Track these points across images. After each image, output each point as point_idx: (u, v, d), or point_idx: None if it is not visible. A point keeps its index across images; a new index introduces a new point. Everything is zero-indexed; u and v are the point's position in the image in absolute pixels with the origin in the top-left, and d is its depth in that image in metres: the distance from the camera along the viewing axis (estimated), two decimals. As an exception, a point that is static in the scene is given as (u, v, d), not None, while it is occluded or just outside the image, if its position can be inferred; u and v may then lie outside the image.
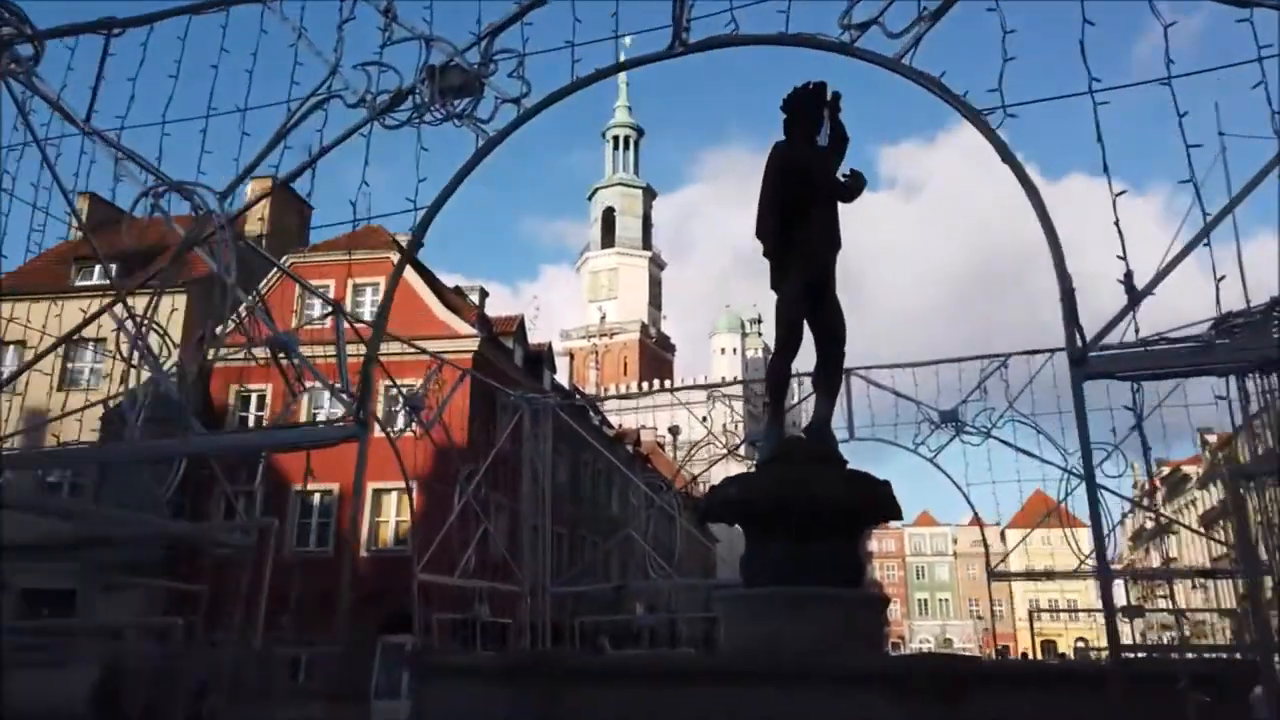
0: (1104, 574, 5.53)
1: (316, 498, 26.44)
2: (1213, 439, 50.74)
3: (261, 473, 11.40)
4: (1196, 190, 4.64)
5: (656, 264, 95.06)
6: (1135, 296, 4.75)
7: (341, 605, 6.34)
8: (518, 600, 11.04)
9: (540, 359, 34.65)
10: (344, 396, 5.50)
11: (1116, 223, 4.77)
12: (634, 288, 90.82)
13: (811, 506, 5.91)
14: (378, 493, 25.73)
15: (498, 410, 12.13)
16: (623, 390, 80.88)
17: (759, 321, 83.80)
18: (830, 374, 6.82)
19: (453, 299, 30.51)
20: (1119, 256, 4.72)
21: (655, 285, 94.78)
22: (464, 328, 27.24)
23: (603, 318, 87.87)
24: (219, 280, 5.68)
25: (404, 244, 32.07)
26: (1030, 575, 17.54)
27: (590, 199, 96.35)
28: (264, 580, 6.40)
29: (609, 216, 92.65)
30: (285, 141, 5.90)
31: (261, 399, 27.41)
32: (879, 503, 6.15)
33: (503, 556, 11.10)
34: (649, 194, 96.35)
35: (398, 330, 16.87)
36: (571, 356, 53.64)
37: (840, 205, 7.07)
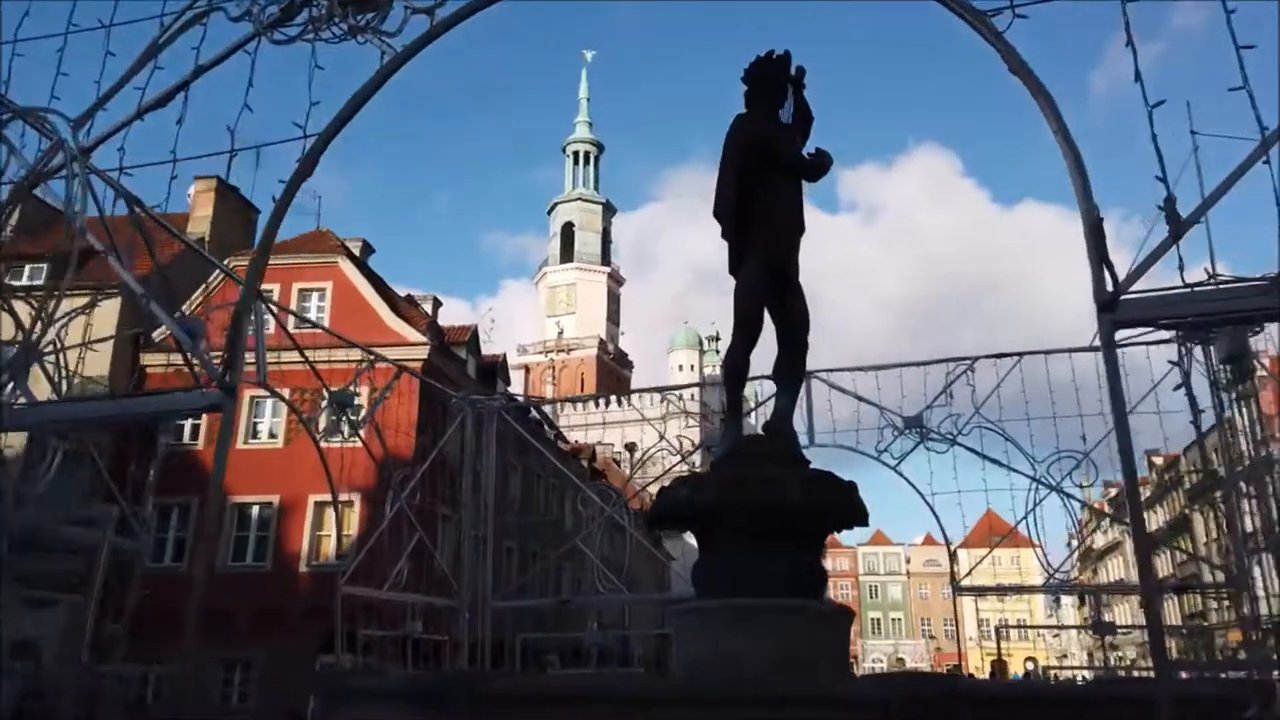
0: (1150, 591, 4.93)
1: (255, 510, 25.36)
2: (1159, 460, 51.62)
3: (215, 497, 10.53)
4: (1251, 98, 3.97)
5: (615, 280, 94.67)
6: (1179, 226, 4.01)
7: (189, 625, 5.54)
8: (457, 616, 10.31)
9: (494, 370, 33.87)
10: (207, 358, 4.75)
11: (1154, 139, 4.12)
12: (592, 303, 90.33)
13: (771, 508, 5.33)
14: (320, 505, 24.71)
15: (445, 416, 11.45)
16: (580, 406, 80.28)
17: (716, 339, 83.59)
18: (792, 366, 6.27)
19: (404, 308, 29.66)
20: (1158, 178, 4.06)
21: (614, 301, 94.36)
22: (414, 335, 26.41)
23: (560, 333, 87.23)
24: (67, 219, 4.94)
25: (354, 249, 31.13)
26: (999, 590, 17.10)
27: (550, 214, 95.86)
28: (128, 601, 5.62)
29: (568, 231, 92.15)
30: (156, 62, 5.06)
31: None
32: (844, 505, 5.59)
33: (443, 570, 10.38)
34: (609, 210, 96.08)
35: (349, 334, 16.17)
36: (528, 371, 52.82)
37: (805, 187, 6.57)
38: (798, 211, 6.30)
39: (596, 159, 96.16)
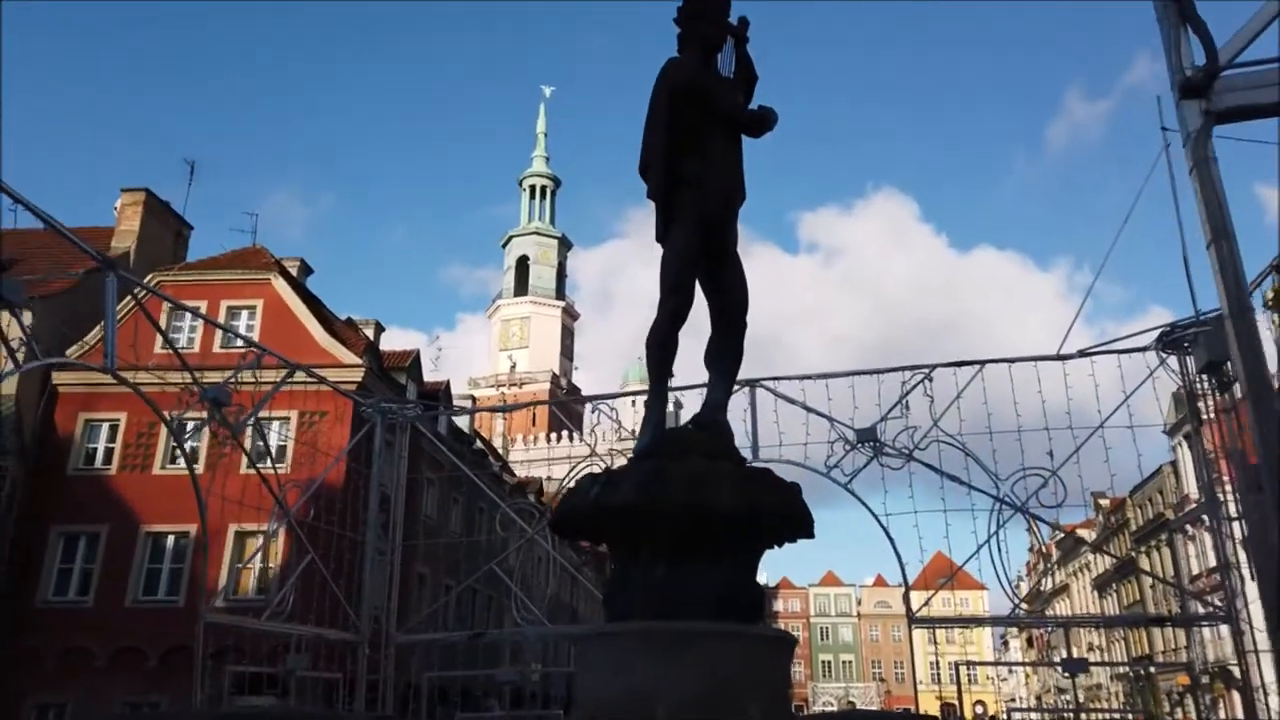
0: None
1: (170, 540, 23.71)
2: (1105, 502, 51.67)
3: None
4: None
5: (570, 314, 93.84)
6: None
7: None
8: (358, 650, 9.12)
9: (437, 398, 32.59)
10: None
11: None
12: (546, 337, 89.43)
13: (699, 513, 4.37)
14: (241, 535, 23.14)
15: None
16: (530, 442, 78.72)
17: (670, 376, 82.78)
18: (728, 349, 5.36)
19: (342, 330, 28.36)
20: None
21: (568, 336, 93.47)
22: (348, 357, 25.14)
23: (513, 367, 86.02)
24: None
25: (292, 269, 29.84)
26: (957, 621, 16.23)
27: (504, 247, 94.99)
28: None
29: (523, 265, 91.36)
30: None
31: (114, 428, 24.61)
32: (786, 511, 4.65)
33: (343, 598, 9.20)
34: (564, 244, 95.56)
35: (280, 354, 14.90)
36: (474, 401, 51.50)
37: (746, 144, 5.73)
38: (737, 171, 5.44)
39: (553, 193, 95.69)
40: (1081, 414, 8.45)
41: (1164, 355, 8.49)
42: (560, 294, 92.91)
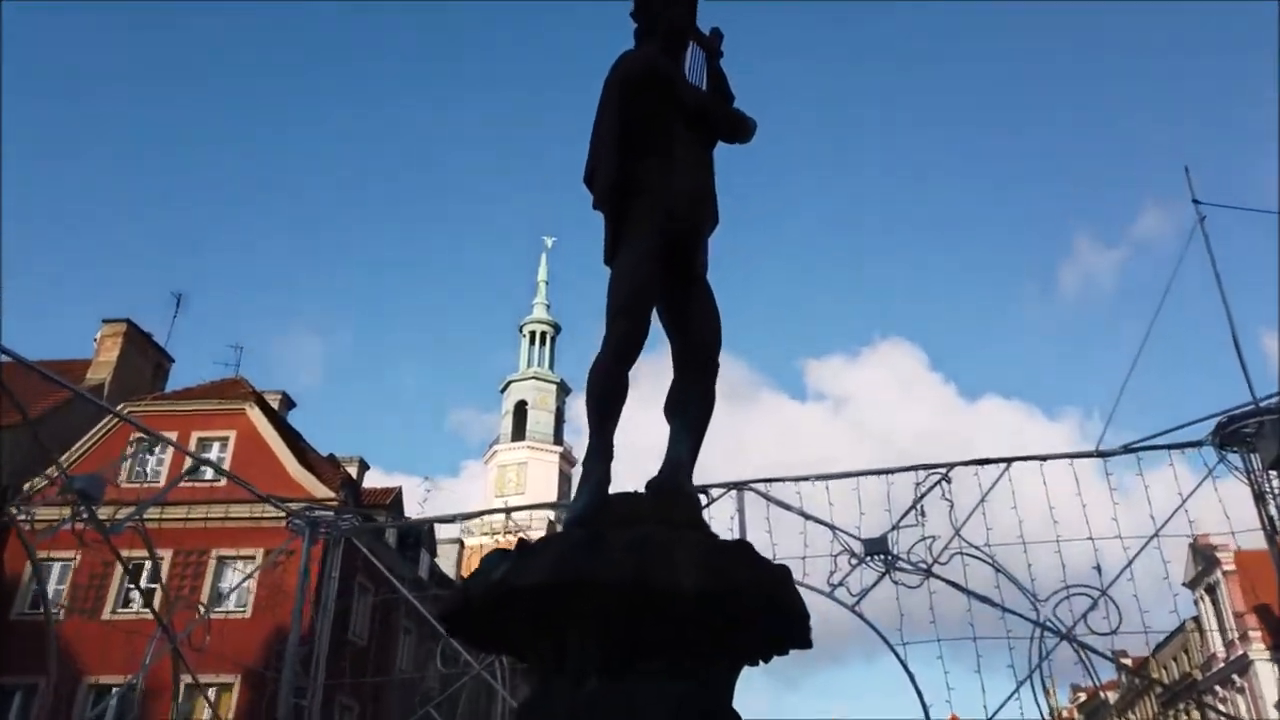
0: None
1: (114, 693, 21.52)
2: (1128, 661, 48.53)
3: None
4: None
5: (568, 460, 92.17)
6: None
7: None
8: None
9: (419, 539, 30.80)
10: None
11: None
12: (543, 484, 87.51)
13: (650, 594, 3.06)
14: (191, 688, 21.01)
15: (356, 589, 8.81)
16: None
17: (616, 425, 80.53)
18: (694, 395, 4.16)
19: (319, 464, 27.00)
20: None
21: (565, 482, 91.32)
22: (321, 490, 23.68)
23: (507, 513, 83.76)
24: None
25: (273, 402, 28.82)
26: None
27: (503, 392, 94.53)
28: None
29: (521, 410, 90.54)
30: None
31: (65, 569, 22.88)
32: (773, 594, 3.32)
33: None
34: (563, 389, 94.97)
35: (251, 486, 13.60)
36: (462, 545, 49.46)
37: (718, 153, 4.72)
38: (706, 181, 4.39)
39: (553, 339, 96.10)
40: (1131, 521, 7.11)
41: (1223, 450, 7.23)
42: (558, 439, 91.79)
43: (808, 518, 7.64)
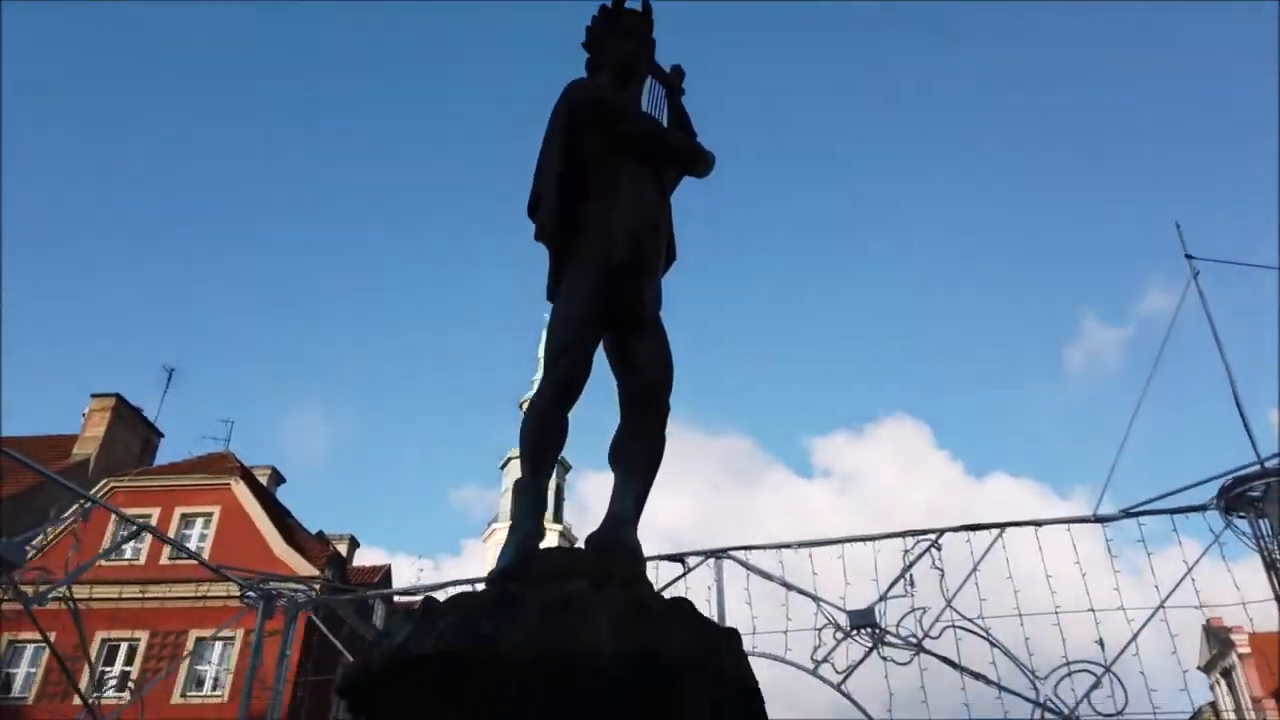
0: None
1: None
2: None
3: None
4: None
5: (567, 539, 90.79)
6: None
7: None
8: None
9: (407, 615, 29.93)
10: None
11: None
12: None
13: (562, 664, 2.65)
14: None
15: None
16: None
17: (551, 470, 78.94)
18: (641, 442, 3.80)
19: (305, 541, 26.39)
20: None
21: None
22: (304, 568, 23.04)
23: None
24: None
25: (260, 476, 28.32)
26: None
27: (503, 468, 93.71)
28: None
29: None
30: None
31: (38, 653, 22.08)
32: (706, 667, 2.90)
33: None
34: (563, 466, 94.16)
35: (231, 564, 13.06)
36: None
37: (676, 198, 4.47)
38: (658, 214, 4.10)
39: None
40: (1135, 592, 6.65)
41: (1229, 515, 6.80)
42: (558, 516, 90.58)
43: (789, 588, 7.17)
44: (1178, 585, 6.55)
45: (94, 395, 28.12)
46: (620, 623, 2.73)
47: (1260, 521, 6.67)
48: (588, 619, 2.72)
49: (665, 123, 4.58)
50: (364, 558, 33.85)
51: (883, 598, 7.02)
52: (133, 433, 28.80)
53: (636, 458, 3.75)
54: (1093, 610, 6.58)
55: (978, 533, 7.12)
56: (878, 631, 6.91)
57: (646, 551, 3.66)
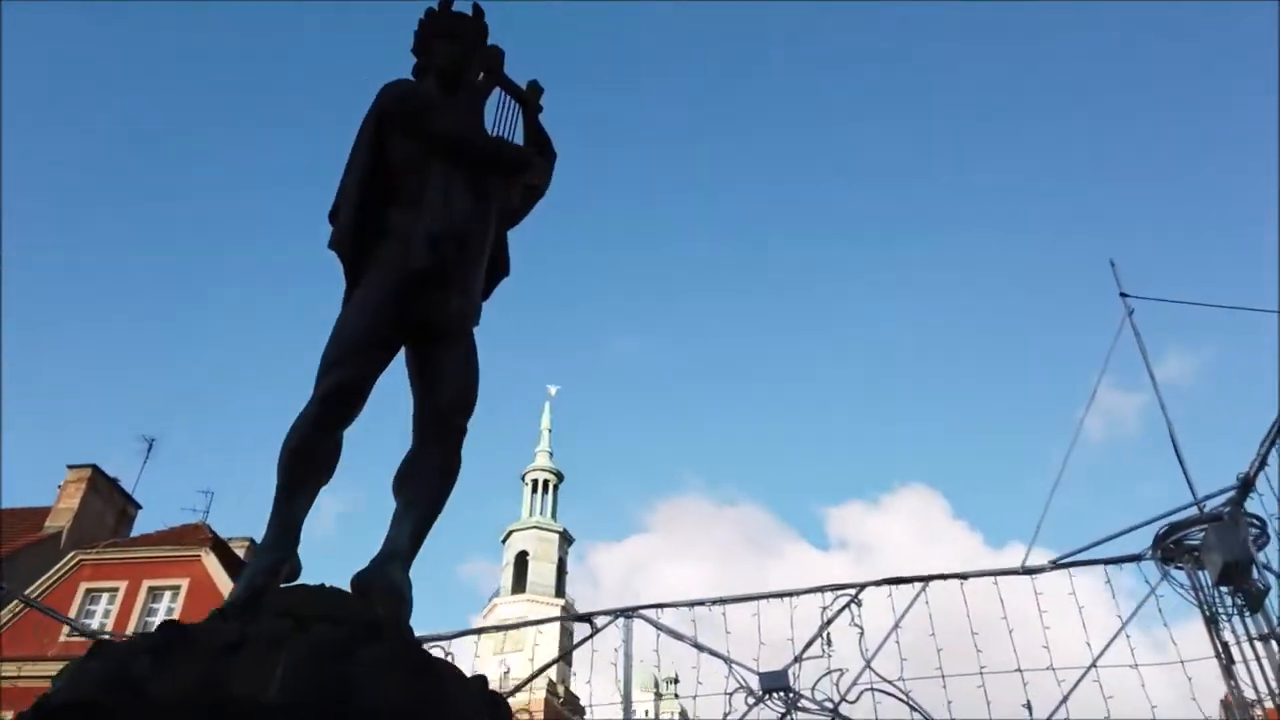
0: None
1: None
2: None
3: None
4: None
5: (569, 613, 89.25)
6: None
7: None
8: None
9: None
10: None
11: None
12: (545, 638, 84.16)
13: (217, 713, 2.23)
14: None
15: None
16: (521, 758, 71.10)
17: (676, 681, 76.78)
18: (427, 466, 3.43)
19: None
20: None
21: (568, 637, 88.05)
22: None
23: (506, 672, 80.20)
24: None
25: (237, 549, 27.75)
26: None
27: (504, 542, 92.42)
28: None
29: (522, 561, 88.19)
30: None
31: None
32: (418, 712, 2.47)
33: None
34: (565, 539, 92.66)
35: None
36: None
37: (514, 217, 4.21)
38: (466, 224, 3.75)
39: (555, 488, 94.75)
40: (1065, 649, 6.14)
41: (1166, 565, 6.31)
42: (560, 592, 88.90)
43: (700, 649, 6.66)
44: (1110, 643, 6.03)
45: (70, 466, 27.75)
46: (301, 669, 2.32)
47: (1200, 573, 6.18)
48: (262, 663, 2.31)
49: (520, 140, 4.32)
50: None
51: (797, 659, 6.51)
52: (108, 504, 28.33)
53: (421, 485, 3.36)
54: (1020, 670, 6.05)
55: (900, 586, 6.62)
56: (791, 695, 6.38)
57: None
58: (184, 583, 23.61)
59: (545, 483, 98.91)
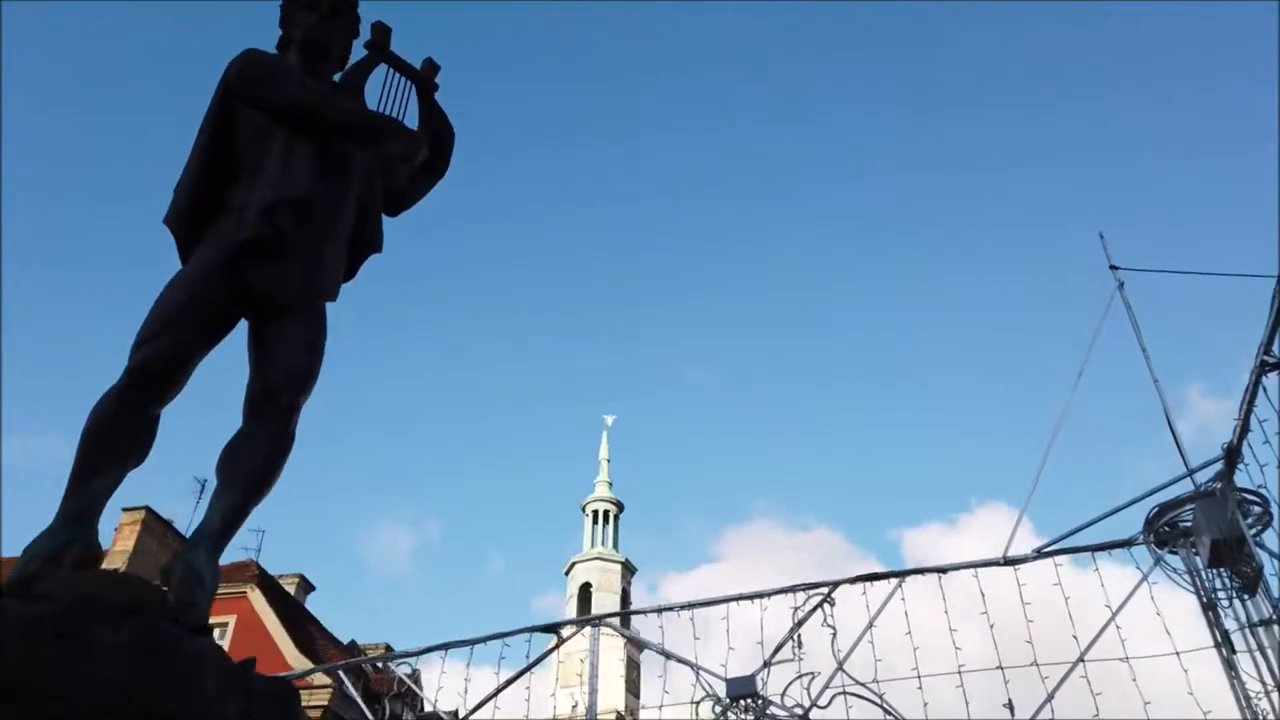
0: None
1: None
2: None
3: None
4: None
5: (636, 645, 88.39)
6: None
7: None
8: None
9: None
10: None
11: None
12: (609, 672, 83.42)
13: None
14: None
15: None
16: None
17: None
18: (250, 446, 3.23)
19: (327, 650, 25.78)
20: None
21: (634, 669, 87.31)
22: (318, 677, 22.39)
23: (574, 706, 79.62)
24: None
25: (287, 585, 28.05)
26: None
27: (567, 574, 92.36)
28: None
29: (585, 592, 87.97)
30: None
31: None
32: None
33: None
34: (628, 569, 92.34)
35: None
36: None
37: (402, 197, 4.06)
38: (311, 192, 3.54)
39: (616, 518, 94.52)
40: (1050, 643, 5.69)
41: (1158, 549, 5.81)
42: (625, 623, 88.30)
43: (668, 656, 6.34)
44: (1098, 636, 5.55)
45: (124, 509, 28.37)
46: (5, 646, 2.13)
47: (1195, 556, 5.67)
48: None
49: (411, 122, 4.14)
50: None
51: (766, 664, 6.14)
52: (163, 545, 28.85)
53: (241, 464, 3.16)
54: (1001, 668, 5.60)
55: (875, 583, 6.22)
56: (759, 701, 6.01)
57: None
58: (231, 620, 23.91)
59: (605, 513, 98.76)
